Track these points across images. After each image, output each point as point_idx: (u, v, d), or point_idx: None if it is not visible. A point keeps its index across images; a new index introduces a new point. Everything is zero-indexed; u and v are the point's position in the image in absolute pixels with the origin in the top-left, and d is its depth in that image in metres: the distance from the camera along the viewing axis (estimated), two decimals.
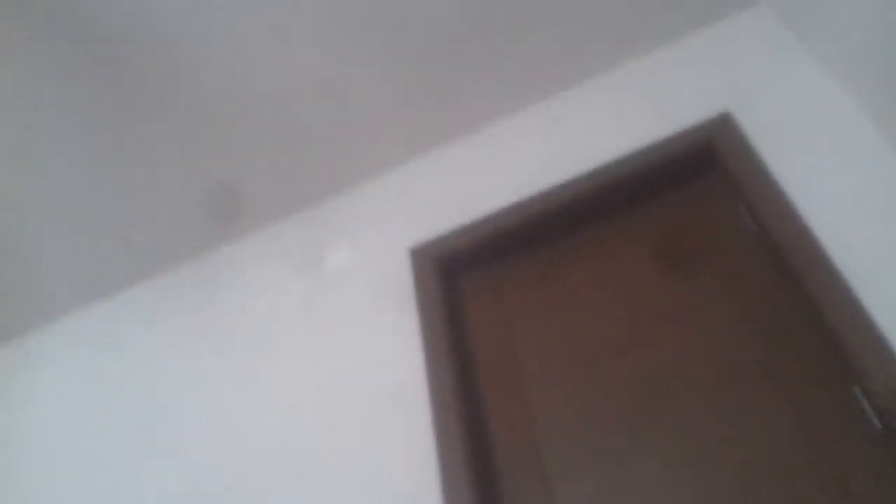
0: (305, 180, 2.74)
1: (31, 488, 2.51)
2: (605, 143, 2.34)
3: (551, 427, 1.99)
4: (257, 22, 2.20)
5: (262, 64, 2.32)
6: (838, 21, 1.97)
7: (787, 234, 1.88)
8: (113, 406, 2.59)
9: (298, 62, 2.34)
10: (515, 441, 2.02)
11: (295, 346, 2.45)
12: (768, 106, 2.17)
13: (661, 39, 2.49)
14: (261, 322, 2.57)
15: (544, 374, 2.09)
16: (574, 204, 2.30)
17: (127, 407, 2.56)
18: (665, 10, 2.40)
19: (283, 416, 2.28)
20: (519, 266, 2.37)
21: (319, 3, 2.19)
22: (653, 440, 1.84)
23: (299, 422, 2.25)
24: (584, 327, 2.12)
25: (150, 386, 2.58)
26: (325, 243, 2.69)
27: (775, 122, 2.13)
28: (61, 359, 2.85)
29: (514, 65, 2.48)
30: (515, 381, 2.13)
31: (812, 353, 1.78)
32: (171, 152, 2.52)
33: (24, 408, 2.77)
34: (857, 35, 1.91)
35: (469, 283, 2.42)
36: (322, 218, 2.77)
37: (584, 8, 2.35)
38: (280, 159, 2.63)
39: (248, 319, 2.61)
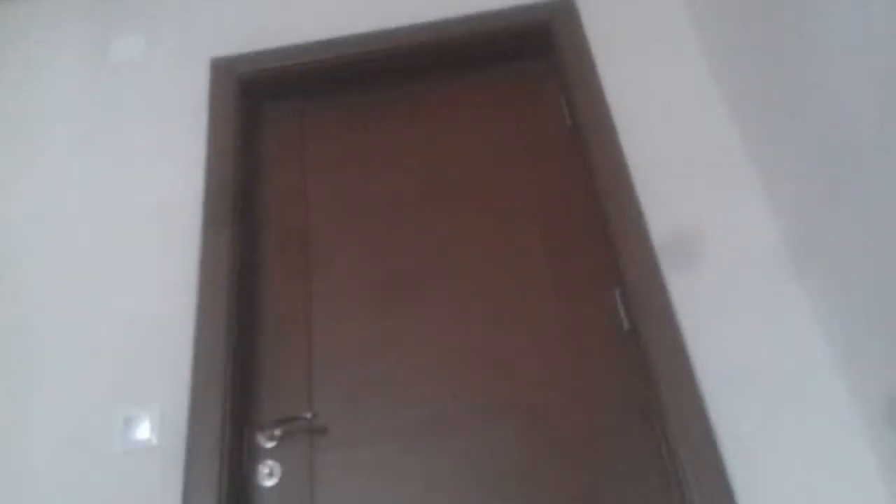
0: None
1: None
2: None
3: (326, 277, 1.92)
4: None
5: None
6: None
7: (596, 135, 1.90)
8: None
9: None
10: (288, 264, 1.93)
11: (68, 137, 2.13)
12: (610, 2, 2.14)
13: None
14: (30, 104, 2.21)
15: (329, 222, 2.00)
16: (398, 54, 2.15)
17: None
18: None
19: (39, 221, 2.00)
20: (326, 106, 2.20)
21: None
22: (421, 303, 1.84)
23: (59, 228, 1.98)
24: (379, 184, 2.04)
25: None
26: (115, 32, 2.31)
27: (613, 19, 2.11)
28: None
29: None
30: (301, 227, 2.00)
31: (588, 254, 1.86)
32: None
33: None
34: None
35: (271, 112, 2.21)
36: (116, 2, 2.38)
37: None
38: None
39: (17, 96, 2.22)
